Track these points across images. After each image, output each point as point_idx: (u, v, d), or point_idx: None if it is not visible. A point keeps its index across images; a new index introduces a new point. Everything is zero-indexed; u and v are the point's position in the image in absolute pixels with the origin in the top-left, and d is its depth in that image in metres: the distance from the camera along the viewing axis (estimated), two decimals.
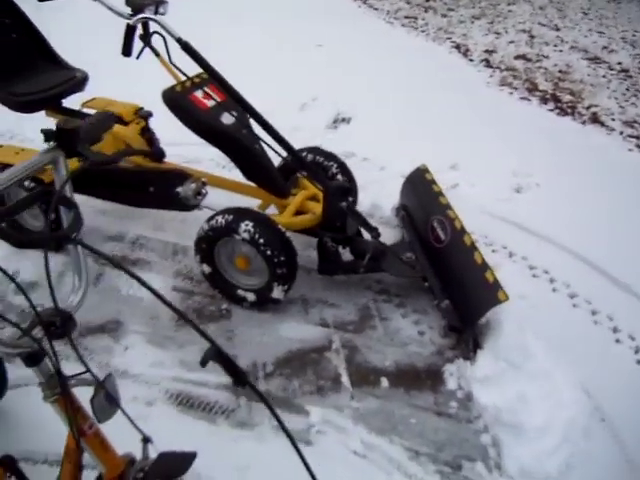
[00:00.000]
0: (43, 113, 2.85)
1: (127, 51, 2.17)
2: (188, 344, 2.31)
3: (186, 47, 2.22)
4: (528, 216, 3.06)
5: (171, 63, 2.22)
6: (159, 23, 2.17)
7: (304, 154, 2.77)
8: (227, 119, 2.45)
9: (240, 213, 2.31)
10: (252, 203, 2.63)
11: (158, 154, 2.83)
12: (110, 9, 2.38)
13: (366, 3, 6.81)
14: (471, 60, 5.14)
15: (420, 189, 2.76)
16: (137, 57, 2.24)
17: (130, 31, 2.13)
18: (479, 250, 2.23)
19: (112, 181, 2.80)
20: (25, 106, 2.66)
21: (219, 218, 2.31)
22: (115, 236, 2.95)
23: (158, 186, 2.63)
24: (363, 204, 3.14)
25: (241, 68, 4.91)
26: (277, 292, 2.35)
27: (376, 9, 6.60)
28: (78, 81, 2.81)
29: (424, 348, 2.30)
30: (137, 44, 2.38)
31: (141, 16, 2.16)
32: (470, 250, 2.25)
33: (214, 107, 2.44)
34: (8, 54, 2.73)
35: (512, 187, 3.33)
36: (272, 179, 2.56)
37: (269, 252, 2.24)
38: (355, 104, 4.31)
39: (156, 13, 2.48)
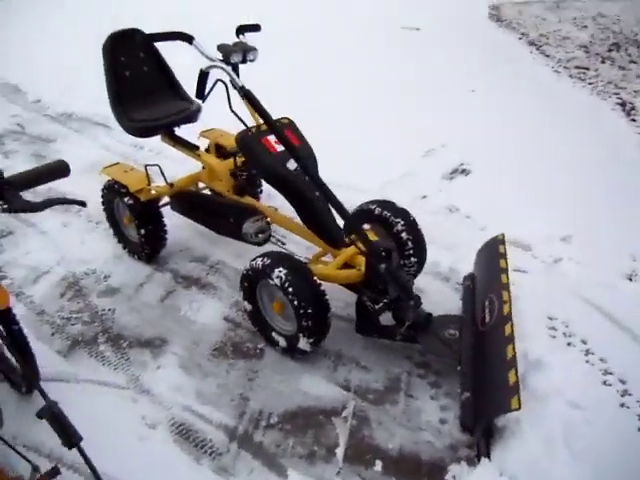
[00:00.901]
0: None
1: (200, 94, 2.32)
2: (212, 376, 2.38)
3: (247, 95, 2.32)
4: (634, 312, 2.59)
5: (231, 110, 2.33)
6: (225, 70, 2.29)
7: (373, 207, 2.69)
8: (293, 165, 2.50)
9: (278, 258, 2.33)
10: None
11: (239, 189, 3.01)
12: (203, 54, 2.59)
13: (539, 49, 6.36)
14: (633, 120, 4.50)
15: (489, 261, 2.51)
16: (203, 100, 2.38)
17: (202, 76, 2.27)
18: (514, 343, 1.95)
19: (204, 208, 3.02)
20: (139, 132, 3.00)
21: (259, 260, 2.36)
22: (199, 257, 3.17)
23: (234, 218, 2.78)
24: (443, 264, 2.95)
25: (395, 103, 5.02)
26: (303, 343, 2.32)
27: (547, 55, 6.13)
28: (191, 113, 3.08)
29: (438, 439, 2.06)
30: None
31: (211, 64, 2.30)
32: (506, 341, 1.98)
33: (283, 152, 2.49)
34: (137, 84, 3.09)
35: (624, 273, 2.85)
36: (326, 228, 2.52)
37: (296, 302, 2.22)
38: (482, 156, 4.06)
39: (244, 60, 2.63)
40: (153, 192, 2.95)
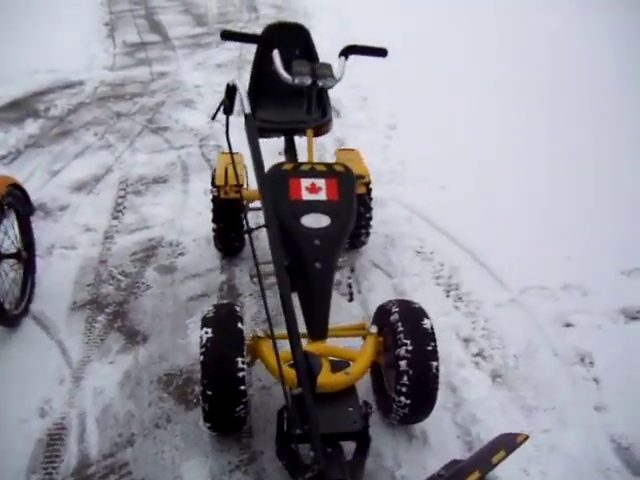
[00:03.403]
0: None
1: (229, 110, 2.02)
2: None
3: (248, 123, 1.91)
4: None
5: (226, 134, 1.94)
6: (239, 91, 1.92)
7: (392, 309, 2.02)
8: (310, 222, 2.03)
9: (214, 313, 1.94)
10: None
11: None
12: (275, 64, 2.30)
13: None
14: None
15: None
16: (212, 118, 2.07)
17: (230, 90, 1.96)
18: None
19: None
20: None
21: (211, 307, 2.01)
22: None
23: None
24: None
25: None
26: (201, 423, 1.92)
27: None
28: (317, 126, 2.79)
29: None
30: None
31: (232, 81, 1.95)
32: None
33: (308, 202, 2.04)
34: (277, 82, 2.92)
35: None
36: (309, 309, 1.99)
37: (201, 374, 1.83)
38: None
39: (313, 84, 2.26)
40: (230, 194, 2.79)
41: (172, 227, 3.25)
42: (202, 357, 1.82)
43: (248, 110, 1.85)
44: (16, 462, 1.88)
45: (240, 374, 1.80)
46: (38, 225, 3.19)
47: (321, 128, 2.80)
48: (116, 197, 3.55)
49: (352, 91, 5.41)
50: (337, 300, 2.75)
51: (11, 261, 2.47)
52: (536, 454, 2.03)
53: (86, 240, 3.09)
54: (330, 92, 5.60)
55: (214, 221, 2.86)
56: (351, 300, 2.74)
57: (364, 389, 2.19)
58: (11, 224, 2.47)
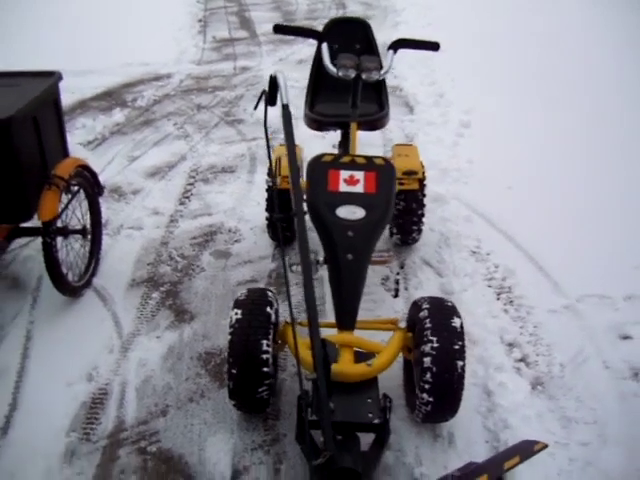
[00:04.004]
0: None
1: (272, 101, 2.07)
2: None
3: (285, 113, 1.94)
4: None
5: (264, 124, 1.97)
6: (277, 81, 1.95)
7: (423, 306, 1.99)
8: (345, 213, 2.04)
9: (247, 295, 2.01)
10: None
11: None
12: (324, 59, 2.33)
13: None
14: None
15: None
16: (254, 108, 2.10)
17: (272, 81, 2.01)
18: None
19: None
20: (309, 122, 2.88)
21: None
22: None
23: None
24: None
25: None
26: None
27: None
28: (372, 120, 2.80)
29: None
30: None
31: (274, 73, 1.99)
32: None
33: (345, 194, 2.06)
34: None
35: None
36: (338, 300, 2.00)
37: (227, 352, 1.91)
38: None
39: (358, 77, 2.27)
40: (283, 185, 2.84)
41: (233, 215, 3.37)
42: (230, 337, 1.89)
43: (286, 101, 1.90)
44: (59, 421, 2.05)
45: (264, 356, 1.86)
46: (111, 206, 3.43)
47: (376, 122, 2.78)
48: (185, 184, 3.72)
49: (429, 87, 5.33)
50: (382, 295, 2.76)
51: (78, 237, 2.67)
52: (569, 467, 1.95)
53: (152, 222, 3.27)
54: (406, 88, 5.57)
55: (267, 210, 2.94)
56: (396, 296, 2.71)
57: (395, 386, 2.18)
58: (79, 203, 2.67)
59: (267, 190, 2.93)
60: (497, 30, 6.49)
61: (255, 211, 3.36)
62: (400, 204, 2.83)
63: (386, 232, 3.05)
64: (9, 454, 1.93)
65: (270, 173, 2.88)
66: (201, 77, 5.84)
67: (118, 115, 4.75)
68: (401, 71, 5.80)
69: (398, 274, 2.89)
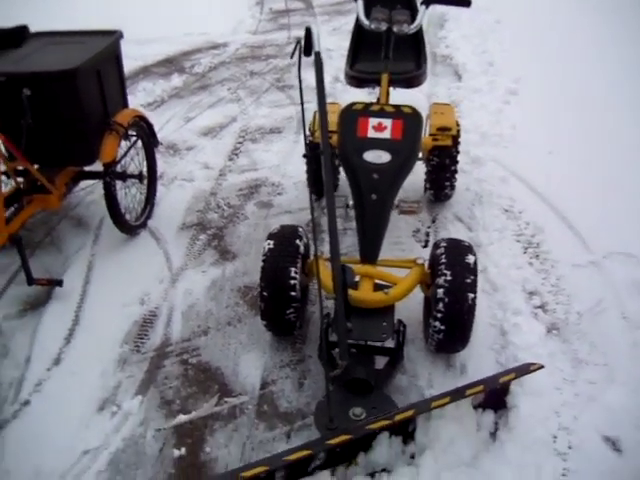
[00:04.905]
0: None
1: (307, 52, 2.24)
2: None
3: (317, 59, 2.11)
4: None
5: (298, 72, 2.14)
6: (311, 33, 2.12)
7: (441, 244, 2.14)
8: (371, 157, 2.21)
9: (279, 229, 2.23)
10: None
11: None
12: (359, 17, 2.47)
13: None
14: None
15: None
16: (291, 56, 2.27)
17: (307, 33, 2.18)
18: None
19: None
20: (349, 80, 3.04)
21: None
22: None
23: None
24: None
25: None
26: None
27: None
28: (408, 77, 2.92)
29: None
30: None
31: (309, 25, 2.15)
32: None
33: (373, 139, 2.23)
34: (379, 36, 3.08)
35: None
36: (363, 235, 2.18)
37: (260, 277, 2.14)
38: None
39: (389, 30, 2.40)
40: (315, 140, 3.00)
41: (277, 171, 3.59)
42: (262, 264, 2.11)
43: (318, 49, 2.07)
44: (115, 334, 2.34)
45: (292, 282, 2.07)
46: (167, 160, 3.71)
47: (413, 80, 2.90)
48: (235, 142, 3.96)
49: (480, 56, 5.35)
50: (412, 245, 2.92)
51: (135, 182, 2.95)
52: (573, 400, 2.07)
53: (203, 175, 3.53)
54: (456, 57, 5.59)
55: (307, 163, 3.14)
56: (425, 247, 2.89)
57: (416, 323, 2.35)
58: (137, 151, 2.94)
59: (306, 144, 3.11)
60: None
61: (298, 168, 3.55)
62: (434, 160, 2.95)
63: (421, 187, 3.20)
64: (71, 357, 2.24)
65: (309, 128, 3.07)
66: (256, 46, 6.06)
67: (176, 80, 5.04)
68: (454, 40, 5.83)
69: (429, 227, 3.04)
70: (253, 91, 4.86)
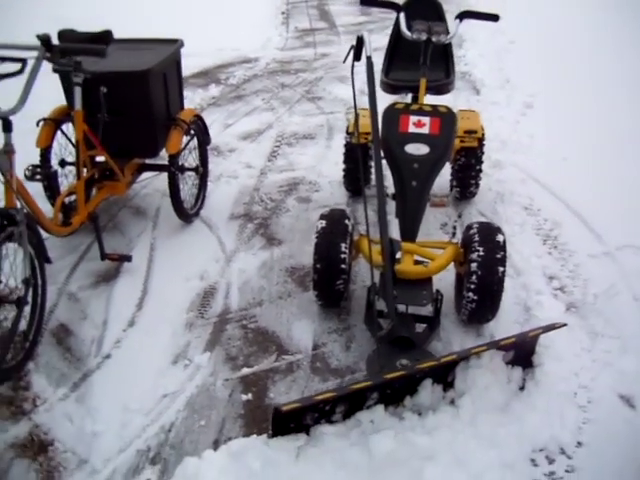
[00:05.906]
0: None
1: (357, 57, 2.58)
2: None
3: (368, 63, 2.43)
4: None
5: (351, 75, 2.48)
6: (362, 40, 2.44)
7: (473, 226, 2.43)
8: (412, 149, 2.52)
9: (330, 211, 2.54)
10: None
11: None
12: (401, 27, 2.79)
13: None
14: None
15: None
16: (344, 61, 2.59)
17: (359, 41, 2.51)
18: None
19: None
20: (383, 87, 3.35)
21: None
22: None
23: None
24: None
25: None
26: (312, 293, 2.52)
27: None
28: (439, 85, 3.24)
29: None
30: None
31: (361, 33, 2.49)
32: None
33: (413, 134, 2.54)
34: (413, 46, 3.38)
35: None
36: (403, 217, 2.47)
37: (314, 252, 2.42)
38: None
39: (428, 40, 2.70)
40: (354, 140, 3.31)
41: (313, 171, 3.90)
42: (315, 240, 2.41)
43: (370, 53, 2.40)
44: (180, 303, 2.64)
45: (341, 255, 2.36)
46: (212, 160, 4.00)
47: (442, 87, 3.21)
48: (272, 146, 4.29)
49: (496, 73, 5.69)
50: (441, 237, 3.21)
51: (191, 174, 3.27)
52: (591, 365, 2.33)
53: (246, 173, 3.85)
54: (474, 74, 5.93)
55: (344, 162, 3.44)
56: (453, 237, 3.18)
57: (447, 300, 2.62)
58: (194, 146, 3.27)
59: (345, 145, 3.42)
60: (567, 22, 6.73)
61: (332, 169, 3.86)
62: (461, 160, 3.26)
63: (447, 187, 3.50)
64: (143, 320, 2.54)
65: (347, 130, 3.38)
66: (285, 61, 6.43)
67: (214, 90, 5.40)
68: (471, 59, 6.18)
69: (456, 221, 3.33)
70: (285, 101, 5.20)
